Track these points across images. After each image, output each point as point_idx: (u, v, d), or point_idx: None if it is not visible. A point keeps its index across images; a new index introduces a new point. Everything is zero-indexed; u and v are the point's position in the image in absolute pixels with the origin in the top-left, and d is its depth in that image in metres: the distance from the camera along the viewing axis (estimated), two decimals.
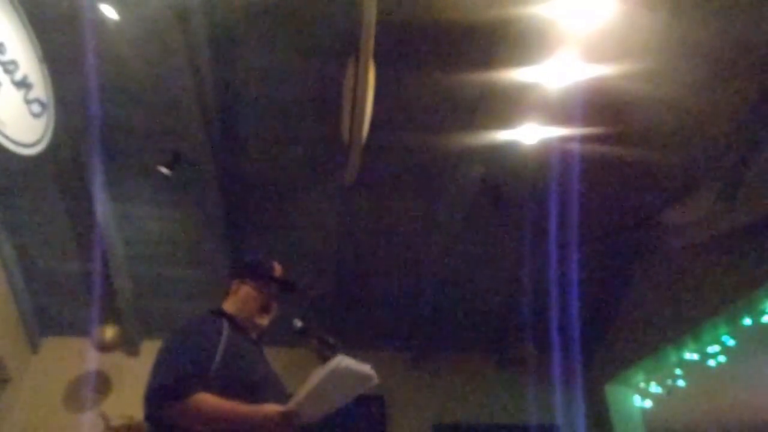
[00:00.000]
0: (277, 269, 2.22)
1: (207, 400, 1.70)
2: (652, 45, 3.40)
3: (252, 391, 1.82)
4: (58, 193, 4.42)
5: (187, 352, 1.81)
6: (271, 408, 1.73)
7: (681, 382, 5.16)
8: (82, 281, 4.93)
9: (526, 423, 5.40)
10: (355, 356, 1.75)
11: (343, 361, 1.67)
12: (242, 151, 4.25)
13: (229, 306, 2.12)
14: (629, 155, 4.08)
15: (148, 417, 1.78)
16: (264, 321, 2.12)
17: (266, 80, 3.80)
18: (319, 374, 1.69)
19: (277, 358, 2.11)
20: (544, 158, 4.14)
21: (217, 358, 1.81)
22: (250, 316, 2.09)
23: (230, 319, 2.03)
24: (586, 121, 3.81)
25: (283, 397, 1.92)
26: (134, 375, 5.19)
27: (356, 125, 2.91)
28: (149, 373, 1.81)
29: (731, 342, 4.48)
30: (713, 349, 4.62)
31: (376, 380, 1.77)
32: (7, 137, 2.64)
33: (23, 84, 2.82)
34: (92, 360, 5.06)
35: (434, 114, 3.97)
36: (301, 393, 1.72)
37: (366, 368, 1.74)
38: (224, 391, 1.75)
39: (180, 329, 1.94)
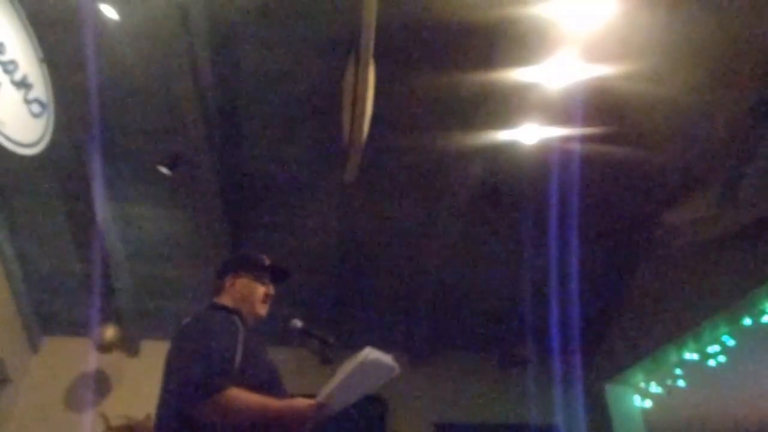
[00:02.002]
0: (267, 259, 2.23)
1: (239, 395, 1.69)
2: (652, 45, 3.40)
3: (266, 385, 1.83)
4: (58, 193, 4.42)
5: (215, 346, 1.77)
6: (302, 401, 1.74)
7: (681, 382, 5.16)
8: (82, 281, 4.93)
9: (526, 423, 5.40)
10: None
11: (371, 353, 1.70)
12: (242, 151, 4.25)
13: (226, 301, 2.11)
14: (629, 155, 4.08)
15: (176, 416, 1.72)
16: (263, 312, 2.13)
17: (266, 80, 3.80)
18: (348, 366, 1.71)
19: (277, 358, 2.10)
20: (544, 158, 4.14)
21: (239, 353, 1.80)
22: (251, 308, 2.10)
23: (239, 314, 2.03)
24: (586, 121, 3.81)
25: (282, 390, 1.93)
26: (134, 375, 5.19)
27: (356, 125, 2.92)
28: (173, 371, 1.78)
29: (731, 342, 4.48)
30: (713, 349, 4.62)
31: (398, 371, 1.80)
32: (6, 137, 2.64)
33: (23, 84, 2.82)
34: (92, 360, 5.06)
35: (434, 114, 3.96)
36: (331, 385, 1.74)
37: (390, 359, 1.76)
38: (244, 387, 1.73)
39: (198, 325, 1.90)
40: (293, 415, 1.71)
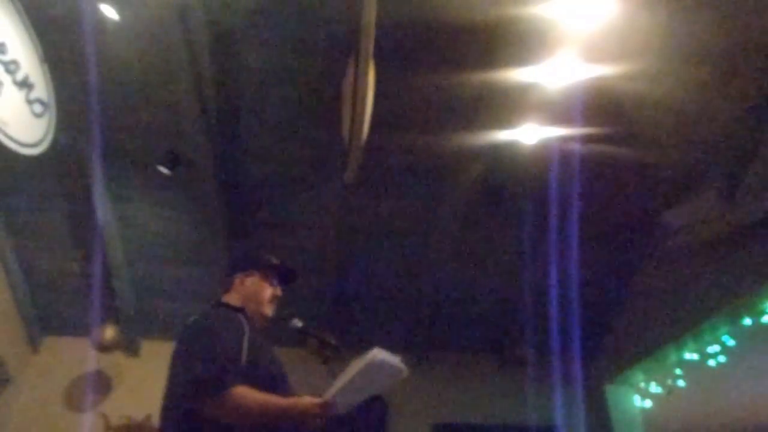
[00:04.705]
0: (277, 259, 2.25)
1: (246, 392, 1.70)
2: (652, 45, 3.40)
3: (272, 384, 1.83)
4: (58, 193, 4.42)
5: (221, 345, 1.78)
6: (309, 400, 1.75)
7: (681, 382, 5.16)
8: (82, 281, 4.93)
9: (526, 423, 5.40)
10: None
11: (379, 353, 1.70)
12: (242, 151, 4.25)
13: (233, 300, 2.12)
14: (629, 155, 4.07)
15: (183, 414, 1.72)
16: (270, 311, 2.14)
17: (266, 80, 3.80)
18: (356, 366, 1.72)
19: None
20: (544, 158, 4.14)
21: (245, 351, 1.81)
22: (258, 307, 2.11)
23: (244, 313, 2.04)
24: (586, 121, 3.81)
25: (288, 389, 1.93)
26: (134, 375, 5.19)
27: (356, 125, 2.91)
28: (179, 368, 1.78)
29: (731, 342, 4.48)
30: (713, 349, 4.62)
31: (405, 373, 1.80)
32: (9, 137, 2.65)
33: (25, 84, 2.82)
34: (92, 360, 5.06)
35: (434, 114, 3.96)
36: (338, 384, 1.75)
37: (397, 361, 1.77)
38: (250, 385, 1.74)
39: (205, 323, 1.90)
40: (299, 414, 1.73)
